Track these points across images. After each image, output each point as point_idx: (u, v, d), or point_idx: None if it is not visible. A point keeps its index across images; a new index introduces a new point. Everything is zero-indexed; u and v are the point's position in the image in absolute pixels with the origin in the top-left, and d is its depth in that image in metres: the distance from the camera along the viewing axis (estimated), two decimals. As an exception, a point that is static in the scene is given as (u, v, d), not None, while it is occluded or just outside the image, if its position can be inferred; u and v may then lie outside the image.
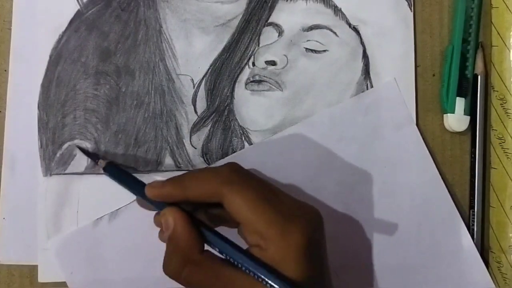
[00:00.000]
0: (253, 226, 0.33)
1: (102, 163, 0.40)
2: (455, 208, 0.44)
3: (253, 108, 0.44)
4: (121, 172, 0.40)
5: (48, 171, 0.43)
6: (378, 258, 0.43)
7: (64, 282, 0.42)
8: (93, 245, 0.42)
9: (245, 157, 0.43)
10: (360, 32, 0.44)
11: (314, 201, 0.43)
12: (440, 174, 0.44)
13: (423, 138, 0.44)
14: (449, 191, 0.44)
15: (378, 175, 0.43)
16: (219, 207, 0.35)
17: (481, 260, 0.43)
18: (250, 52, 0.44)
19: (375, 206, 0.43)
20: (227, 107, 0.44)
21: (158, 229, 0.38)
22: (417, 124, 0.44)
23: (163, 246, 0.36)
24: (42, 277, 0.42)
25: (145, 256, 0.42)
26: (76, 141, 0.43)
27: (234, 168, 0.36)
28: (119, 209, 0.42)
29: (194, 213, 0.36)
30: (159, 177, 0.43)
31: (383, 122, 0.44)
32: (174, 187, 0.36)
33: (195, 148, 0.44)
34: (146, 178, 0.43)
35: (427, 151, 0.44)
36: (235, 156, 0.43)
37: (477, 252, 0.43)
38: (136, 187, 0.38)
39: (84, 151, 0.43)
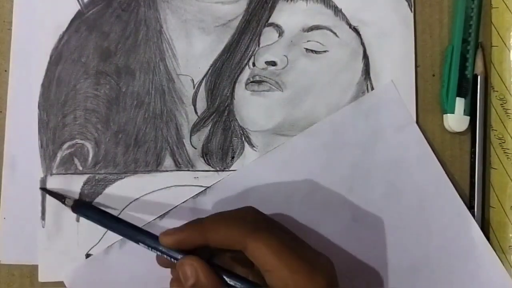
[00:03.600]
0: (279, 274, 0.33)
1: (69, 201, 0.41)
2: (463, 204, 0.43)
3: (253, 108, 0.44)
4: (97, 212, 0.40)
5: (48, 171, 0.43)
6: (389, 260, 0.43)
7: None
8: (105, 273, 0.42)
9: (249, 172, 0.43)
10: (360, 33, 0.44)
11: (321, 210, 0.43)
12: (441, 174, 0.44)
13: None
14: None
15: (383, 178, 0.43)
16: (237, 251, 0.35)
17: (495, 255, 0.42)
18: (250, 52, 0.44)
19: (383, 209, 0.43)
20: (227, 108, 0.44)
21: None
22: (417, 124, 0.44)
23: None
24: (42, 277, 0.42)
25: (157, 282, 0.41)
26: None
27: (256, 215, 0.37)
28: None
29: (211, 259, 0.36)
30: (159, 177, 0.43)
31: (384, 125, 0.44)
32: (193, 233, 0.35)
33: (195, 148, 0.43)
34: (146, 178, 0.43)
35: (430, 149, 0.44)
36: (241, 171, 0.43)
37: (490, 247, 0.43)
38: (120, 227, 0.39)
39: (51, 193, 0.42)
